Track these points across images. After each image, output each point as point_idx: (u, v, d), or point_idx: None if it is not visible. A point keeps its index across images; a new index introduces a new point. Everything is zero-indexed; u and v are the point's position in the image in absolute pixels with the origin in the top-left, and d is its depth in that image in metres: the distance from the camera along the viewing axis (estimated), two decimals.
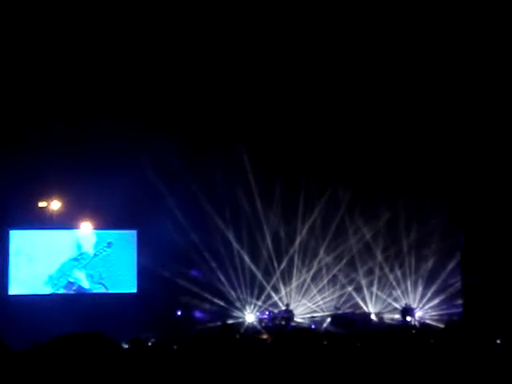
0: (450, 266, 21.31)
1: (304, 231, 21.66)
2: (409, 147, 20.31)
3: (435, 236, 21.45)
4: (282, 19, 17.60)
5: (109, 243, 21.32)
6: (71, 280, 21.14)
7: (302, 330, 19.77)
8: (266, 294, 21.38)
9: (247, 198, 21.04)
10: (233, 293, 21.13)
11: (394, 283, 21.83)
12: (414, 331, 16.86)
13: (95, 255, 21.30)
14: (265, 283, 21.38)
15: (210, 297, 20.74)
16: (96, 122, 19.01)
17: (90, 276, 21.25)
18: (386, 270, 21.82)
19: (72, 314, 19.26)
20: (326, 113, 20.00)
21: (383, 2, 16.82)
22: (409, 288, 21.80)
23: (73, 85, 18.76)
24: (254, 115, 19.69)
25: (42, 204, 20.79)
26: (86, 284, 21.20)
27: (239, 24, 17.74)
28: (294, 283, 21.61)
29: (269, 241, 21.51)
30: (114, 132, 19.06)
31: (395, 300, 21.79)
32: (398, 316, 21.51)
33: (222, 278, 20.98)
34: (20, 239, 21.01)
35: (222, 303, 20.94)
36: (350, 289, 21.74)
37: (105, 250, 21.31)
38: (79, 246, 21.28)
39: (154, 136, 19.36)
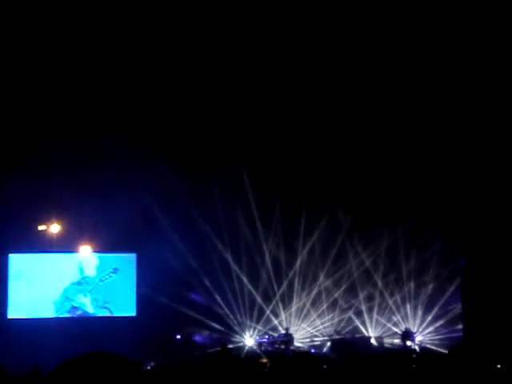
0: (450, 290, 21.29)
1: (304, 255, 21.64)
2: (408, 174, 20.37)
3: (434, 261, 21.46)
4: (277, 36, 17.65)
5: (115, 269, 21.30)
6: (75, 305, 21.07)
7: (301, 354, 19.77)
8: (265, 317, 21.32)
9: (247, 221, 21.05)
10: (232, 317, 21.07)
11: (394, 308, 21.78)
12: (414, 355, 16.85)
13: (101, 280, 21.26)
14: (264, 307, 21.33)
15: (209, 321, 20.66)
16: (95, 145, 19.04)
17: (95, 300, 21.19)
18: (386, 294, 21.79)
19: (70, 338, 19.16)
20: (326, 137, 20.06)
21: (383, 4, 16.80)
22: (409, 313, 21.75)
23: (72, 109, 18.81)
24: (254, 138, 19.74)
25: (41, 227, 20.76)
26: (90, 309, 21.14)
27: (237, 45, 17.81)
28: (294, 307, 21.55)
29: (268, 265, 21.49)
30: (113, 155, 19.09)
31: (395, 324, 21.74)
32: (398, 340, 21.44)
33: (222, 302, 20.92)
34: (19, 263, 20.95)
35: (221, 327, 20.86)
36: (349, 313, 21.69)
37: (110, 276, 21.28)
38: (81, 270, 21.23)
39: (153, 159, 19.37)
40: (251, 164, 20.38)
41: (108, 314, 21.13)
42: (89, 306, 21.13)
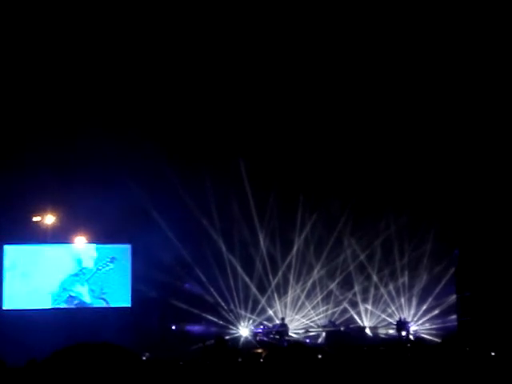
0: (444, 280, 21.35)
1: (299, 246, 21.67)
2: (402, 166, 20.44)
3: (428, 252, 21.54)
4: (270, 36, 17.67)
5: (112, 258, 21.30)
6: (73, 294, 21.08)
7: (296, 344, 19.82)
8: (260, 308, 21.35)
9: (242, 212, 21.04)
10: (227, 307, 21.09)
11: (389, 299, 21.85)
12: (409, 345, 16.90)
13: (98, 270, 21.26)
14: (259, 298, 21.35)
15: (204, 311, 20.69)
16: (89, 135, 18.99)
17: (91, 291, 21.21)
18: (381, 285, 21.85)
19: (65, 329, 19.18)
20: (322, 131, 20.08)
21: (383, 4, 16.79)
22: (403, 303, 21.82)
23: (65, 100, 18.76)
24: (251, 130, 19.74)
25: (36, 218, 20.75)
26: (87, 299, 21.16)
27: (233, 39, 17.79)
28: (289, 298, 21.58)
29: (264, 256, 21.51)
30: (107, 146, 19.04)
31: (390, 315, 21.81)
32: (392, 330, 21.50)
33: (217, 293, 20.94)
34: (14, 254, 20.94)
35: (216, 318, 20.89)
36: (344, 304, 21.73)
37: (107, 265, 21.29)
38: (78, 261, 21.23)
39: (149, 151, 19.35)
40: (247, 155, 20.38)
41: (104, 305, 21.13)
42: (86, 295, 21.14)
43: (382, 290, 21.81)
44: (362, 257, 21.78)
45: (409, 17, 16.95)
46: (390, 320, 21.72)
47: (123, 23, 17.17)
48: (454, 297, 20.61)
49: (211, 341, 16.57)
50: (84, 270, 21.23)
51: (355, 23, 17.39)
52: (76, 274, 21.17)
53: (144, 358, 13.69)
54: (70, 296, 21.06)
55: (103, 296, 21.19)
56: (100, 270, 21.27)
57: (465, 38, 17.15)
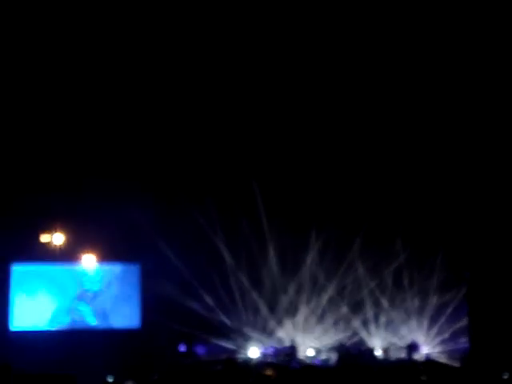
0: (455, 303, 21.27)
1: (310, 268, 21.62)
2: (410, 194, 20.51)
3: (438, 277, 21.51)
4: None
5: (120, 278, 21.30)
6: (76, 317, 21.04)
7: (306, 365, 19.70)
8: (270, 329, 21.25)
9: (252, 229, 20.98)
10: (237, 328, 21.00)
11: (399, 322, 21.77)
12: (421, 367, 16.74)
13: (100, 291, 21.23)
14: (269, 318, 21.26)
15: (213, 332, 20.58)
16: (97, 155, 19.12)
17: (94, 312, 21.15)
18: (391, 308, 21.78)
19: (74, 350, 19.19)
20: (336, 157, 20.24)
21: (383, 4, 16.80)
22: (414, 327, 21.74)
23: (75, 121, 18.86)
24: (263, 152, 19.80)
25: (44, 237, 20.75)
26: (90, 320, 21.08)
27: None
28: (299, 319, 21.49)
29: (274, 275, 21.44)
30: (115, 166, 19.18)
31: (400, 339, 21.70)
32: (403, 353, 21.37)
33: (226, 314, 20.87)
34: (22, 274, 20.93)
35: (226, 338, 20.79)
36: (355, 325, 21.63)
37: (109, 288, 21.27)
38: (83, 282, 21.20)
39: (157, 170, 19.46)
40: (260, 176, 20.40)
41: (107, 326, 21.02)
42: (89, 317, 21.08)
43: (393, 314, 21.72)
44: (374, 282, 21.72)
45: (409, 17, 16.94)
46: (401, 344, 21.60)
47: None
48: (465, 319, 20.54)
49: (221, 360, 16.56)
50: (88, 292, 21.20)
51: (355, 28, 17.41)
52: (79, 295, 21.14)
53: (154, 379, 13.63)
54: (73, 318, 21.01)
55: (106, 318, 21.14)
56: (103, 291, 21.25)
57: (465, 38, 17.13)
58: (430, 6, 16.49)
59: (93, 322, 21.11)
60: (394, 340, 21.73)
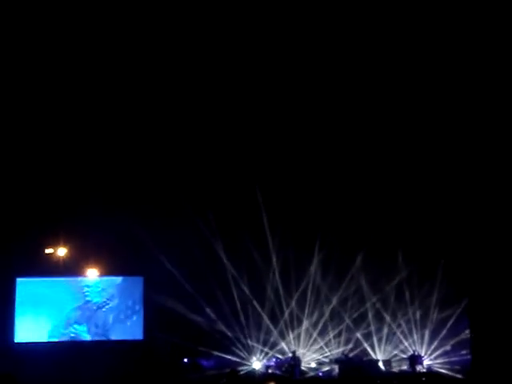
0: (456, 316, 21.30)
1: (313, 280, 21.66)
2: (410, 210, 20.63)
3: (439, 292, 21.57)
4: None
5: (118, 291, 21.35)
6: (73, 333, 21.07)
7: (308, 377, 19.71)
8: (272, 340, 21.25)
9: (255, 242, 21.02)
10: (239, 339, 21.01)
11: (402, 333, 21.78)
12: (423, 379, 16.77)
13: (102, 305, 21.29)
14: (272, 330, 21.27)
15: (216, 344, 20.60)
16: (99, 168, 19.19)
17: (94, 326, 21.20)
18: (394, 321, 21.81)
19: (78, 362, 19.20)
20: (335, 174, 20.32)
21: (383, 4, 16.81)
22: (416, 339, 21.75)
23: (78, 137, 18.92)
24: (267, 157, 19.83)
25: (48, 251, 20.80)
26: (88, 336, 21.13)
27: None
28: (301, 330, 21.50)
29: (277, 286, 21.47)
30: (117, 180, 19.25)
31: (403, 351, 21.71)
32: (405, 364, 21.37)
33: (229, 325, 20.89)
34: (26, 287, 20.96)
35: (228, 350, 20.80)
36: (357, 337, 21.64)
37: (111, 301, 21.33)
38: (85, 295, 21.25)
39: (159, 183, 19.53)
40: (263, 183, 20.45)
41: (105, 339, 21.05)
42: (85, 333, 21.12)
43: (395, 326, 21.76)
44: (375, 296, 21.77)
45: (409, 17, 16.94)
46: (403, 355, 21.60)
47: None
48: (466, 331, 20.58)
49: (224, 372, 16.56)
50: (89, 304, 21.25)
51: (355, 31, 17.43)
52: (80, 308, 21.17)
53: None
54: (73, 332, 21.05)
55: (106, 332, 21.17)
56: (104, 305, 21.30)
57: (465, 39, 17.14)
58: (430, 6, 16.50)
59: (89, 337, 21.11)
60: (396, 352, 21.73)
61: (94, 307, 21.22)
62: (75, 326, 21.06)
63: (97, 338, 21.06)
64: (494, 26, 16.61)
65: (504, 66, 17.25)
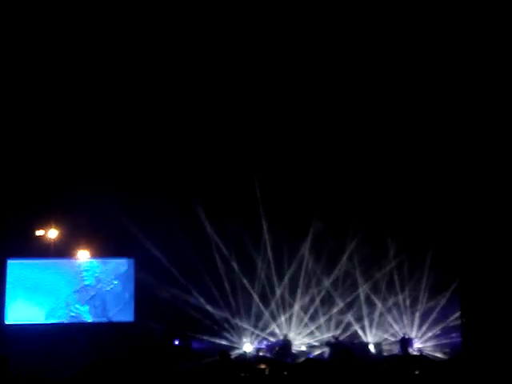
0: (447, 297, 21.38)
1: (305, 261, 21.68)
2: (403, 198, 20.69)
3: (429, 276, 21.64)
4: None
5: (116, 273, 21.33)
6: (74, 312, 21.07)
7: (299, 360, 19.76)
8: (263, 323, 21.29)
9: (247, 223, 21.00)
10: (230, 322, 21.04)
11: (393, 316, 21.86)
12: (414, 361, 16.82)
13: (98, 286, 21.28)
14: (263, 312, 21.31)
15: (207, 326, 20.63)
16: (90, 152, 19.14)
17: (94, 308, 21.21)
18: (386, 304, 21.89)
19: (68, 344, 19.21)
20: (331, 164, 20.35)
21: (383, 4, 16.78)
22: (406, 322, 21.84)
23: (69, 122, 18.85)
24: (264, 146, 19.85)
25: (39, 232, 20.78)
26: (89, 317, 21.14)
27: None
28: (293, 313, 21.54)
29: (269, 268, 21.49)
30: (109, 163, 19.21)
31: (393, 335, 21.79)
32: (396, 347, 21.46)
33: (220, 307, 20.91)
34: (17, 268, 20.94)
35: (220, 332, 20.84)
36: (348, 319, 21.70)
37: (112, 283, 21.32)
38: (82, 277, 21.25)
39: (151, 168, 19.51)
40: (261, 172, 20.44)
41: (106, 319, 21.08)
42: (87, 313, 21.14)
43: (385, 310, 21.85)
44: (366, 282, 21.85)
45: (409, 17, 16.93)
46: (394, 339, 21.70)
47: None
48: (456, 314, 20.67)
49: (215, 354, 16.59)
50: (86, 287, 21.25)
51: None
52: (79, 290, 21.18)
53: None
54: (72, 314, 21.05)
55: (105, 313, 21.17)
56: (104, 285, 21.28)
57: (465, 39, 17.14)
58: (430, 6, 16.49)
59: (88, 319, 21.12)
60: (387, 335, 21.81)
61: (92, 289, 21.23)
62: (77, 305, 21.08)
63: (97, 319, 21.10)
64: (494, 26, 16.63)
65: (504, 65, 17.30)
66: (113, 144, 19.03)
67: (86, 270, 21.30)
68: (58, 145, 19.07)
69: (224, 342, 20.69)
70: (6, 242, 19.95)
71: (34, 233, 20.71)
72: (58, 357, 17.57)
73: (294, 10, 16.45)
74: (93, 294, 21.23)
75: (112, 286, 21.37)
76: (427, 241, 20.99)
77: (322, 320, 21.60)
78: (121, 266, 21.52)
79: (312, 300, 21.63)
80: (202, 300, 20.78)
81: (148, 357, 17.74)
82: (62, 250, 20.84)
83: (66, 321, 20.94)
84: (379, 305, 21.77)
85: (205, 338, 20.68)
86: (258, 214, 20.94)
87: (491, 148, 18.57)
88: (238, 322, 21.15)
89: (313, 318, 21.61)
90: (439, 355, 20.69)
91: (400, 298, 21.82)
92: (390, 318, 21.81)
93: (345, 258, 21.68)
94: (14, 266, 20.89)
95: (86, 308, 21.13)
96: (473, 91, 17.77)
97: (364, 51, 17.56)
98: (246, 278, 21.25)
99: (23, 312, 20.70)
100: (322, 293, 21.68)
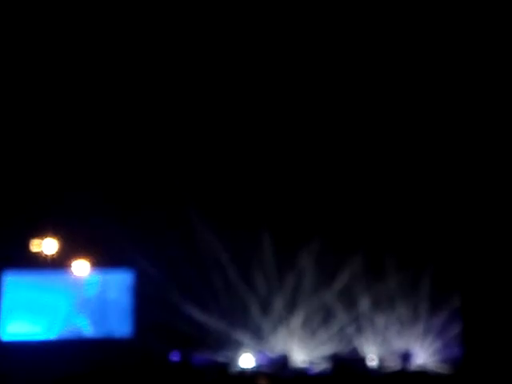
0: (447, 313, 21.34)
1: (306, 276, 21.63)
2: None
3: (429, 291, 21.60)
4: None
5: (114, 285, 21.25)
6: (71, 326, 20.98)
7: (299, 374, 19.67)
8: (262, 337, 21.21)
9: (248, 235, 20.95)
10: (230, 336, 20.96)
11: (393, 331, 21.80)
12: (415, 376, 16.78)
13: (96, 299, 21.21)
14: (262, 326, 21.24)
15: (206, 341, 20.55)
16: (90, 157, 19.17)
17: (94, 321, 21.13)
18: (386, 319, 21.83)
19: (65, 360, 19.07)
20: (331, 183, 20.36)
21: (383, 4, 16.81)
22: (407, 337, 21.78)
23: (64, 130, 18.86)
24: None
25: (35, 244, 20.73)
26: (87, 330, 21.02)
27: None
28: (293, 326, 21.47)
29: (268, 281, 21.44)
30: (107, 170, 19.21)
31: (394, 350, 21.72)
32: (397, 362, 21.38)
33: (219, 322, 20.83)
34: (14, 282, 20.85)
35: (218, 346, 20.74)
36: (349, 335, 21.63)
37: (112, 295, 21.26)
38: (82, 290, 21.16)
39: (151, 172, 19.50)
40: (260, 183, 20.45)
41: (105, 334, 20.95)
42: (87, 326, 21.03)
43: (387, 325, 21.80)
44: (367, 296, 21.78)
45: (409, 17, 16.97)
46: (395, 353, 21.62)
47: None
48: (457, 328, 20.63)
49: (214, 369, 16.52)
50: (84, 300, 21.17)
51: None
52: (75, 304, 21.10)
53: None
54: (69, 327, 20.95)
55: (106, 325, 21.08)
56: (98, 299, 21.21)
57: (465, 39, 17.17)
58: (430, 6, 16.51)
59: (89, 333, 21.02)
60: (388, 350, 21.74)
61: (92, 303, 21.14)
62: (78, 320, 21.00)
63: (97, 333, 20.97)
64: (494, 26, 16.68)
65: (504, 65, 17.34)
66: (111, 154, 19.02)
67: (87, 282, 21.23)
68: (52, 155, 19.08)
69: (223, 357, 20.60)
70: (2, 255, 19.88)
71: (31, 244, 20.66)
72: (54, 373, 17.46)
73: (293, 10, 16.51)
74: (92, 306, 21.14)
75: (112, 298, 21.28)
76: (426, 255, 20.95)
77: (322, 335, 21.54)
78: (120, 277, 21.41)
79: (312, 315, 21.56)
80: (201, 314, 20.70)
81: (146, 371, 17.62)
82: (60, 262, 20.78)
83: (63, 336, 20.82)
84: (380, 319, 21.73)
85: (204, 352, 20.59)
86: (258, 226, 20.88)
87: (489, 159, 18.61)
88: (237, 336, 21.07)
89: (313, 333, 21.54)
90: (440, 370, 20.61)
91: (400, 312, 21.77)
92: (390, 333, 21.75)
93: (345, 272, 21.65)
94: (9, 279, 20.79)
95: (86, 322, 21.05)
96: (473, 95, 17.81)
97: (364, 51, 17.61)
98: (246, 291, 21.19)
99: (21, 327, 20.60)
100: (322, 307, 21.63)
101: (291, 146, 19.75)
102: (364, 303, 21.76)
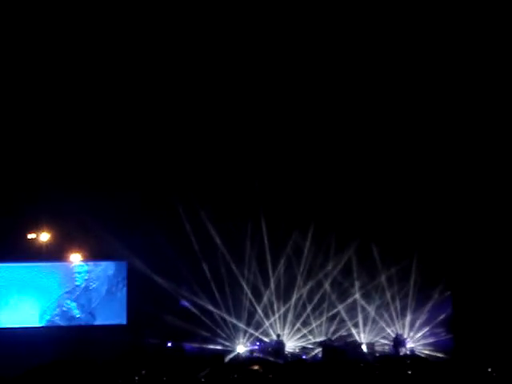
0: (438, 298, 21.49)
1: (300, 262, 21.73)
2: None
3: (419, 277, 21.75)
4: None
5: (108, 276, 21.34)
6: (64, 309, 21.06)
7: (292, 360, 19.77)
8: (256, 324, 21.30)
9: (241, 224, 21.02)
10: (223, 323, 21.04)
11: (385, 316, 21.93)
12: (408, 361, 16.89)
13: (87, 287, 21.27)
14: (256, 313, 21.32)
15: (200, 328, 20.62)
16: (87, 151, 19.14)
17: (80, 307, 21.17)
18: (378, 304, 21.97)
19: (59, 348, 19.13)
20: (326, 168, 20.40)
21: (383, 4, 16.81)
22: (397, 319, 21.91)
23: (62, 124, 18.85)
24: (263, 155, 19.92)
25: (31, 236, 20.78)
26: (75, 313, 21.09)
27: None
28: (285, 313, 21.56)
29: (263, 268, 21.52)
30: (103, 165, 19.21)
31: (386, 335, 21.87)
32: (389, 347, 21.53)
33: (212, 309, 20.90)
34: (9, 272, 20.91)
35: (212, 334, 20.82)
36: (341, 320, 21.75)
37: (94, 282, 21.32)
38: (74, 279, 21.23)
39: (145, 166, 19.50)
40: (255, 177, 20.47)
41: (91, 319, 21.09)
42: (75, 310, 21.11)
43: (378, 311, 21.93)
44: (359, 283, 21.94)
45: (409, 17, 16.96)
46: (386, 339, 21.78)
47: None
48: (446, 314, 20.81)
49: (208, 356, 16.59)
50: (77, 288, 21.23)
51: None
52: (69, 292, 21.16)
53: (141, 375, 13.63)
54: (62, 311, 21.04)
55: (91, 311, 21.18)
56: (88, 287, 21.29)
57: (464, 39, 17.18)
58: (430, 6, 16.54)
59: (77, 314, 21.11)
60: (380, 335, 21.88)
61: (80, 291, 21.22)
62: (67, 302, 21.07)
63: (84, 316, 21.09)
64: (494, 26, 16.70)
65: (504, 65, 17.39)
66: (106, 148, 19.01)
67: (78, 272, 21.29)
68: (47, 149, 19.07)
69: (217, 345, 20.70)
70: None
71: (25, 236, 20.71)
72: (46, 360, 17.54)
73: (294, 10, 16.51)
74: (82, 293, 21.21)
75: (104, 288, 21.37)
76: (413, 245, 21.09)
77: (315, 321, 21.64)
78: (114, 268, 21.51)
79: (305, 301, 21.66)
80: (195, 301, 20.79)
81: (140, 359, 17.68)
82: (54, 253, 20.86)
83: (57, 322, 20.92)
84: (372, 306, 21.85)
85: (198, 339, 20.68)
86: (252, 217, 20.97)
87: (478, 154, 18.72)
88: (230, 322, 21.15)
89: (306, 319, 21.65)
90: (432, 353, 20.77)
91: (391, 299, 21.90)
92: (382, 319, 21.87)
93: (337, 261, 21.78)
94: (4, 269, 20.85)
95: (74, 305, 21.14)
96: (471, 91, 17.87)
97: (364, 52, 17.63)
98: (240, 278, 21.27)
99: (15, 316, 20.67)
100: (315, 294, 21.73)
101: (283, 133, 19.75)
102: (356, 290, 21.92)
